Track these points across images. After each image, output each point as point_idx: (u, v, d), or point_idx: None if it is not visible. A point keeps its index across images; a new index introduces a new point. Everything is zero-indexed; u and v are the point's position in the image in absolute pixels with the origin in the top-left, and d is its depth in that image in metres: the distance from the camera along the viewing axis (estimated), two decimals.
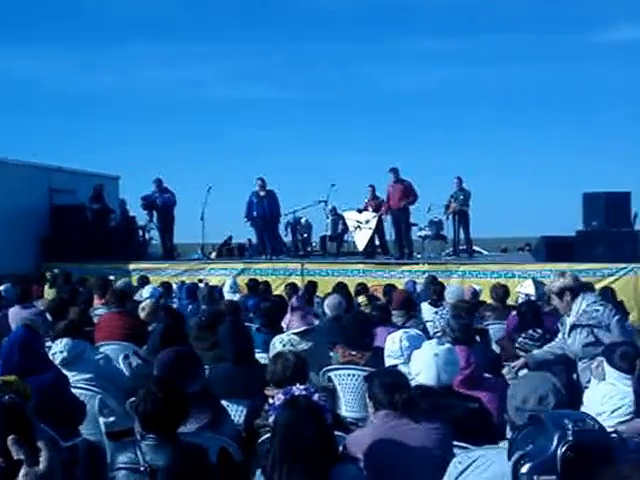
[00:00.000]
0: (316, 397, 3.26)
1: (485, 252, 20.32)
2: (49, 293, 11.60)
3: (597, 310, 5.20)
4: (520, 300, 7.20)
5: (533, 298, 7.10)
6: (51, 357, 5.39)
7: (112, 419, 5.49)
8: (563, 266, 13.05)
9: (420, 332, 5.41)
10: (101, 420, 5.45)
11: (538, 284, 7.51)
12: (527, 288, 7.13)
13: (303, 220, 17.11)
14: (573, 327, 5.29)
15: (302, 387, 3.36)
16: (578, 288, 5.35)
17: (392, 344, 4.90)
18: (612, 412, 4.19)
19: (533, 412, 3.07)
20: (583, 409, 4.29)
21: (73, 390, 5.17)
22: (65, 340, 5.53)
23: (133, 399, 5.00)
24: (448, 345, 4.23)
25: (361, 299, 9.83)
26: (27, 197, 16.28)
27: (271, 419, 3.32)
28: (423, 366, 4.04)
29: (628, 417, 4.12)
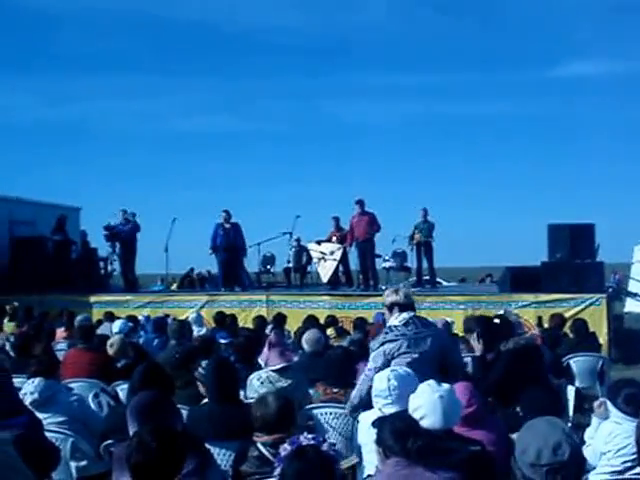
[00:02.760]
0: (325, 447, 3.06)
1: (444, 282, 20.37)
2: (9, 327, 11.28)
3: (402, 330, 5.33)
4: None
5: None
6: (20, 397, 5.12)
7: (84, 463, 5.25)
8: (529, 297, 13.10)
9: (408, 369, 5.24)
10: (72, 465, 5.21)
11: (510, 316, 7.41)
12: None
13: (266, 252, 16.98)
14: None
15: (310, 436, 3.16)
16: (407, 305, 5.51)
17: (379, 383, 4.70)
18: (617, 452, 4.06)
19: (551, 466, 2.95)
20: (587, 450, 4.20)
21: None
22: (37, 380, 5.28)
23: (108, 442, 4.82)
24: (448, 386, 4.06)
25: (330, 332, 9.68)
26: None
27: (277, 471, 3.11)
28: (428, 409, 3.85)
29: (633, 457, 3.99)
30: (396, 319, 5.45)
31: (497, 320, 7.10)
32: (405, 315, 5.45)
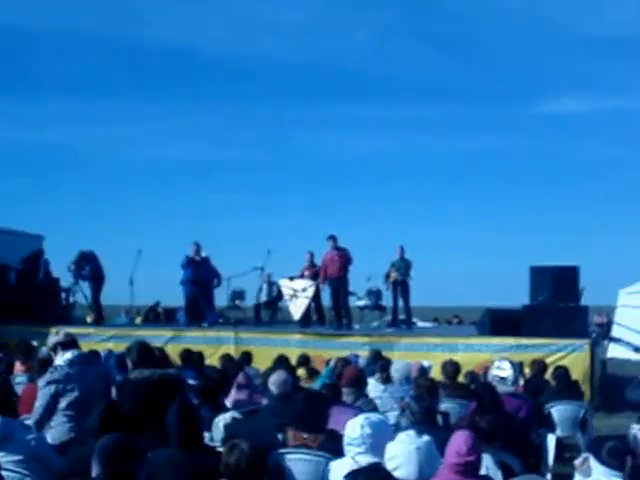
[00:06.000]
0: None
1: (420, 323, 20.05)
2: None
3: (66, 369, 5.84)
4: (494, 382, 6.76)
5: (509, 382, 6.71)
6: None
7: None
8: (509, 340, 12.67)
9: (382, 417, 4.88)
10: None
11: (515, 366, 7.06)
12: (504, 371, 6.69)
13: (236, 287, 16.60)
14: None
15: None
16: (68, 343, 6.09)
17: (352, 431, 4.44)
18: None
19: None
20: None
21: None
22: None
23: None
24: (427, 437, 3.76)
25: (300, 372, 9.25)
26: None
27: None
28: (403, 460, 3.61)
29: None
30: (61, 358, 5.94)
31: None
32: (69, 355, 5.94)
